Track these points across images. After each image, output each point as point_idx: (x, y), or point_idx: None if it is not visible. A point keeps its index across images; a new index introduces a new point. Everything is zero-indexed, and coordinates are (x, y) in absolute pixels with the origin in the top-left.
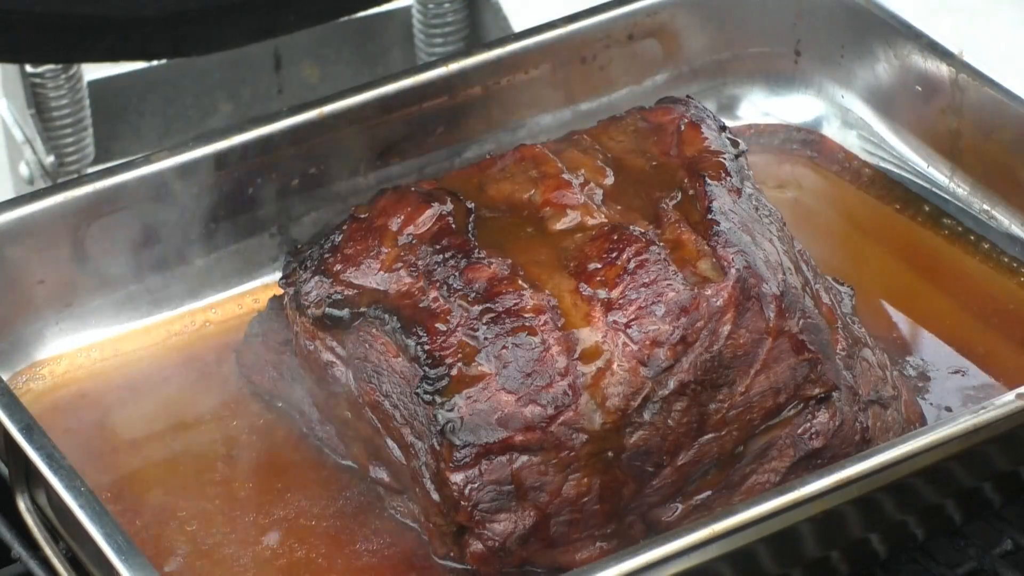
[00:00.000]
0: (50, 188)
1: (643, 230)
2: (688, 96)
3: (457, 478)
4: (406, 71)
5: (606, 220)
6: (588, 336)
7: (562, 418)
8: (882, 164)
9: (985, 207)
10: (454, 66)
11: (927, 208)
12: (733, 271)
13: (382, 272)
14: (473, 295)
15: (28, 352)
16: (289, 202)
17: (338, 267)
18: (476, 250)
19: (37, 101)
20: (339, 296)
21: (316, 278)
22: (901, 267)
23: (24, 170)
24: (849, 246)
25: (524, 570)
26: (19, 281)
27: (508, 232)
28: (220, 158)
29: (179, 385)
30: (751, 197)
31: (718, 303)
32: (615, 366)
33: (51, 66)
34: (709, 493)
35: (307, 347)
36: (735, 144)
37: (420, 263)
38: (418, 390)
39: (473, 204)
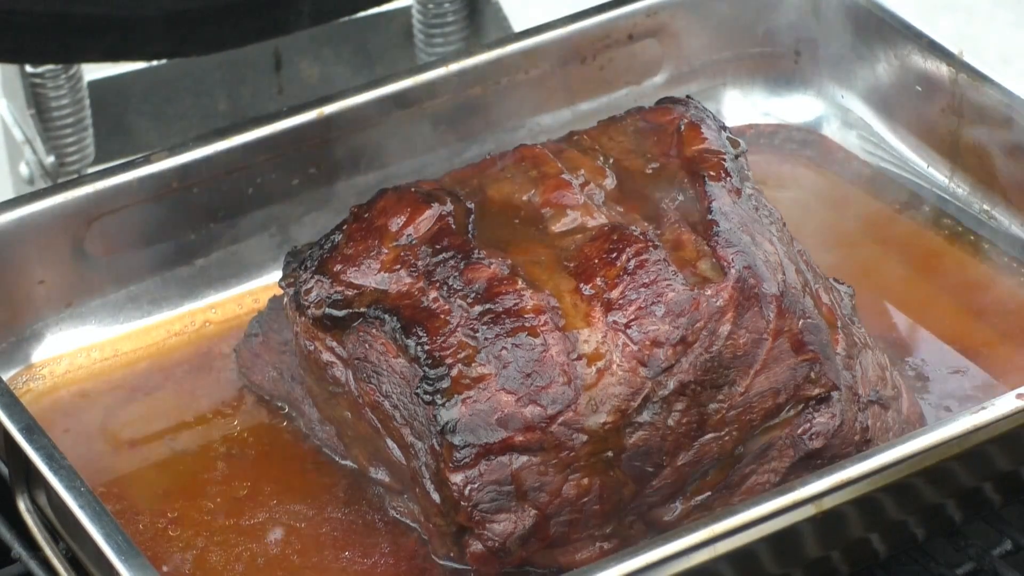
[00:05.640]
0: (50, 188)
1: (643, 230)
2: (688, 96)
3: (457, 478)
4: (406, 71)
5: (606, 220)
6: (588, 336)
7: (562, 418)
8: (882, 164)
9: (985, 207)
10: (454, 66)
11: (927, 208)
12: (733, 271)
13: (382, 272)
14: (473, 295)
15: (28, 352)
16: (289, 202)
17: (338, 267)
18: (476, 250)
19: (37, 101)
20: (339, 296)
21: (316, 278)
22: (901, 267)
23: (24, 170)
24: (849, 246)
25: (524, 570)
26: (19, 281)
27: (508, 232)
28: (220, 158)
29: (179, 385)
30: (751, 197)
31: (718, 303)
32: (615, 366)
33: (51, 66)
34: (709, 493)
35: (307, 347)
36: (735, 144)
37: (420, 263)
38: (418, 390)
39: (473, 204)
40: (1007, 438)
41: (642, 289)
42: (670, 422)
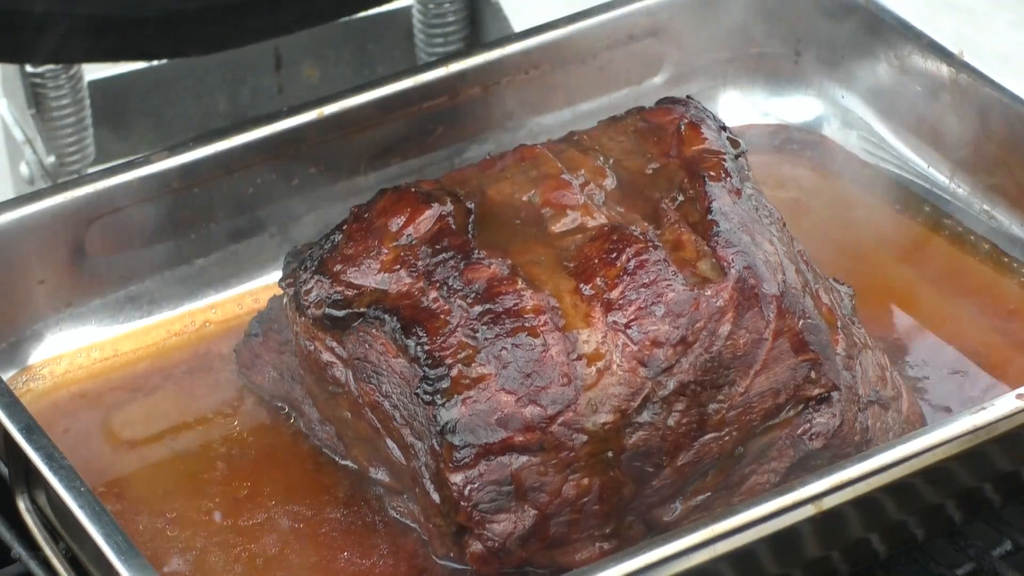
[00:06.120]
0: (50, 188)
1: (643, 231)
2: (688, 96)
3: (457, 478)
4: (406, 71)
5: (606, 221)
6: (588, 336)
7: (562, 418)
8: (882, 164)
9: (985, 207)
10: (454, 66)
11: (927, 208)
12: (733, 271)
13: (382, 272)
14: (473, 295)
15: (28, 352)
16: (289, 202)
17: (338, 267)
18: (476, 250)
19: (37, 101)
20: (339, 296)
21: (316, 278)
22: (901, 267)
23: (24, 170)
24: (849, 246)
25: (524, 570)
26: (19, 281)
27: (508, 232)
28: (220, 158)
29: (179, 385)
30: (751, 197)
31: (718, 303)
32: (615, 366)
33: (51, 66)
34: (709, 494)
35: (307, 347)
36: (735, 144)
37: (420, 263)
38: (418, 390)
39: (473, 204)
40: (1007, 438)
41: (642, 289)
42: (670, 422)
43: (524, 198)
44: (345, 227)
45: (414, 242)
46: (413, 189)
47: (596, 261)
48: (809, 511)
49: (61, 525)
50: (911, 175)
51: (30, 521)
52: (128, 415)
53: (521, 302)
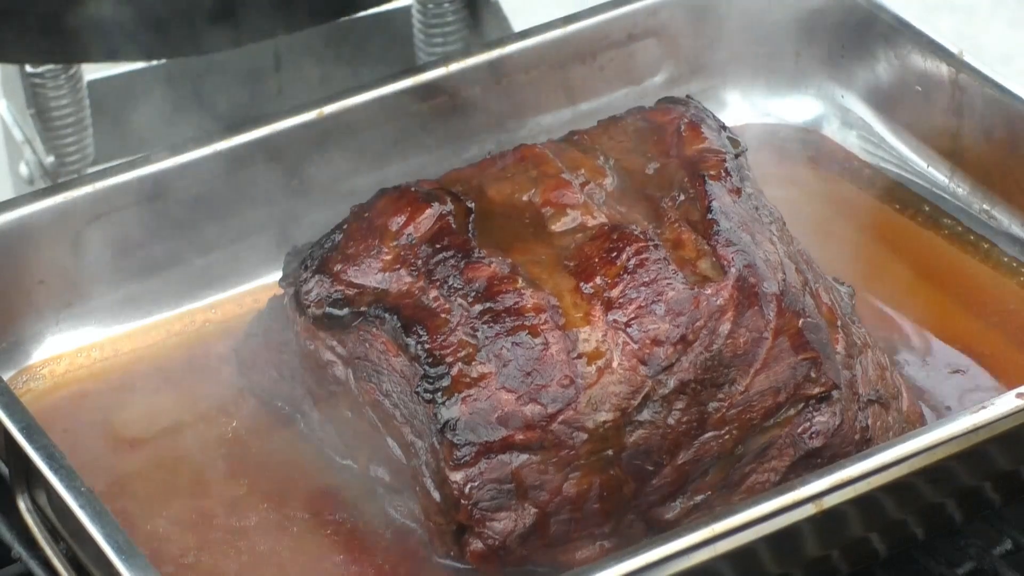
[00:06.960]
0: (50, 188)
1: (643, 230)
2: (688, 96)
3: (457, 477)
4: (406, 71)
5: (606, 220)
6: (588, 335)
7: (562, 417)
8: (882, 164)
9: (985, 207)
10: (454, 66)
11: (927, 208)
12: (733, 270)
13: (382, 271)
14: (473, 294)
15: (28, 352)
16: (289, 202)
17: (338, 267)
18: (476, 250)
19: (37, 101)
20: (339, 295)
21: (316, 278)
22: (901, 267)
23: (24, 170)
24: (849, 246)
25: (524, 569)
26: (19, 281)
27: (508, 232)
28: (220, 158)
29: (179, 385)
30: (751, 197)
31: (718, 302)
32: (615, 365)
33: (51, 66)
34: (709, 493)
35: (307, 347)
36: (735, 144)
37: (420, 263)
38: (418, 389)
39: (473, 204)
40: (1007, 438)
41: (642, 288)
42: (670, 421)
43: (524, 198)
44: (345, 227)
45: (414, 241)
46: (413, 189)
47: (596, 260)
48: (809, 510)
49: (61, 525)
50: (911, 175)
51: (30, 521)
52: (128, 415)
53: (521, 301)
